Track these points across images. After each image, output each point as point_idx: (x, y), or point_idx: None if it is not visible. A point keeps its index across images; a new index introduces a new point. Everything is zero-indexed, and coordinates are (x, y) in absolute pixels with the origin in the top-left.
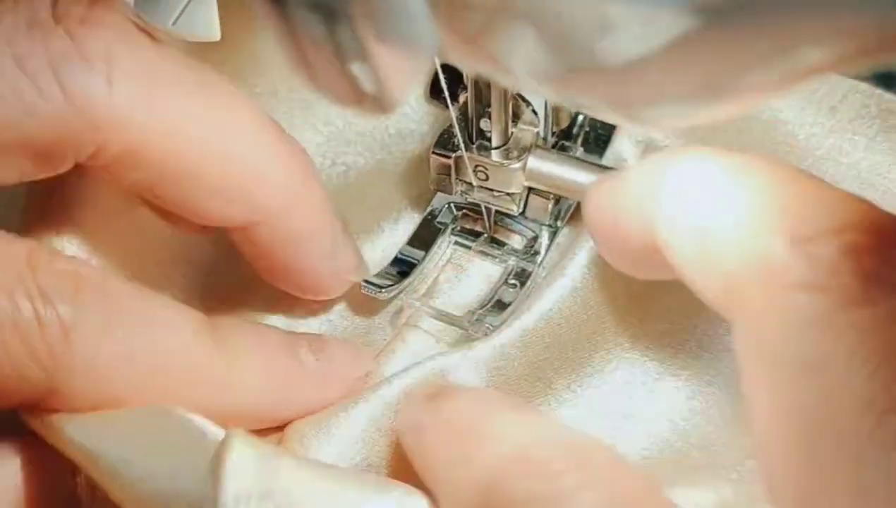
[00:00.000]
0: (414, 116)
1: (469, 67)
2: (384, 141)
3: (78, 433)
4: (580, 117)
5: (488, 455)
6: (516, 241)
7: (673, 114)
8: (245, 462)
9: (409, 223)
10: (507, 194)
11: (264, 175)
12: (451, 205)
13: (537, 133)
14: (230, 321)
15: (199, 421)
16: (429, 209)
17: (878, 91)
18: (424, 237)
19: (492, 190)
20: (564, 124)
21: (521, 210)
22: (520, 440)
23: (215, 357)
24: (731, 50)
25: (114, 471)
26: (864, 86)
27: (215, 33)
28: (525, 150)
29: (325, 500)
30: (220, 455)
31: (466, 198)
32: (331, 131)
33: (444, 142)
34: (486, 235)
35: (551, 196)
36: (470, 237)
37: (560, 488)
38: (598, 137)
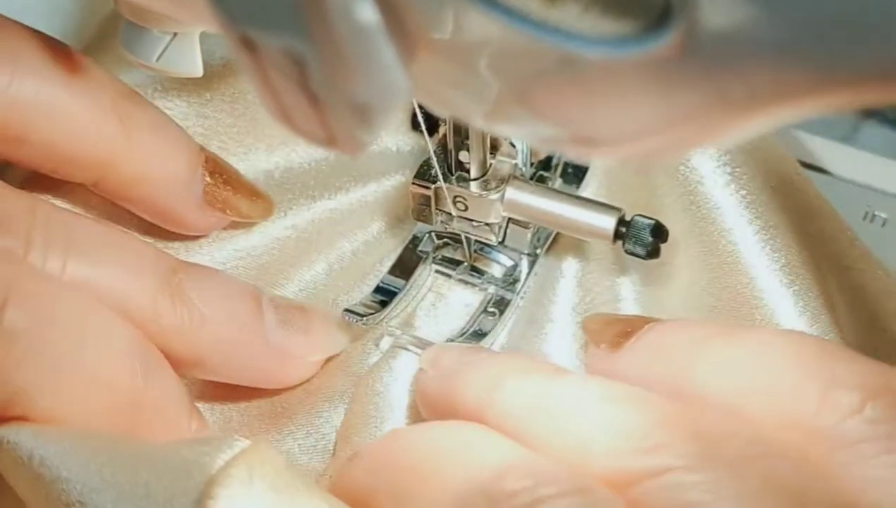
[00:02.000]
0: (396, 146)
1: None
2: (367, 169)
3: (39, 449)
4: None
5: (442, 491)
6: (496, 270)
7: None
8: (226, 504)
9: (390, 252)
10: (486, 224)
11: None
12: (432, 234)
13: (515, 164)
14: (199, 269)
15: (186, 452)
16: (410, 238)
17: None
18: (405, 266)
19: (471, 220)
20: (543, 155)
21: (500, 239)
22: (481, 469)
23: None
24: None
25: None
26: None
27: (198, 70)
28: (503, 181)
29: None
30: (205, 495)
31: (446, 228)
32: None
33: (423, 173)
34: (466, 264)
35: (530, 225)
36: (450, 265)
37: None
38: (576, 169)
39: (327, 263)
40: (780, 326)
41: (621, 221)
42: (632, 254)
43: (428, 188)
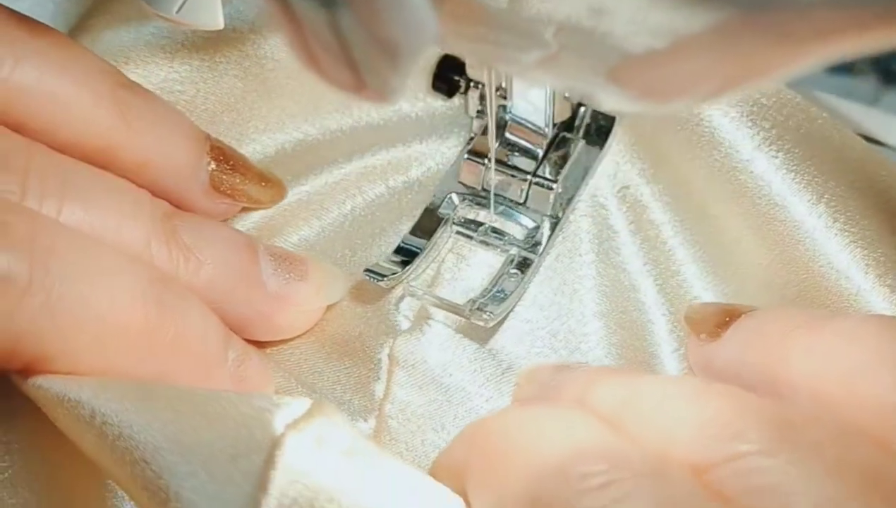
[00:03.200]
0: (414, 113)
1: (468, 56)
2: (384, 137)
3: (101, 407)
4: (582, 109)
5: (523, 467)
6: (517, 231)
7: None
8: (296, 465)
9: (409, 212)
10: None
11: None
12: (453, 195)
13: None
14: (194, 216)
15: (245, 408)
16: (431, 199)
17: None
18: (426, 227)
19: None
20: (566, 116)
21: (523, 199)
22: (560, 448)
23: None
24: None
25: (140, 454)
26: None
27: (218, 22)
28: None
29: (370, 502)
30: (271, 457)
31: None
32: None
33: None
34: (487, 225)
35: (553, 186)
36: (472, 227)
37: (598, 503)
38: (600, 129)
39: (340, 218)
40: (862, 302)
41: None
42: None
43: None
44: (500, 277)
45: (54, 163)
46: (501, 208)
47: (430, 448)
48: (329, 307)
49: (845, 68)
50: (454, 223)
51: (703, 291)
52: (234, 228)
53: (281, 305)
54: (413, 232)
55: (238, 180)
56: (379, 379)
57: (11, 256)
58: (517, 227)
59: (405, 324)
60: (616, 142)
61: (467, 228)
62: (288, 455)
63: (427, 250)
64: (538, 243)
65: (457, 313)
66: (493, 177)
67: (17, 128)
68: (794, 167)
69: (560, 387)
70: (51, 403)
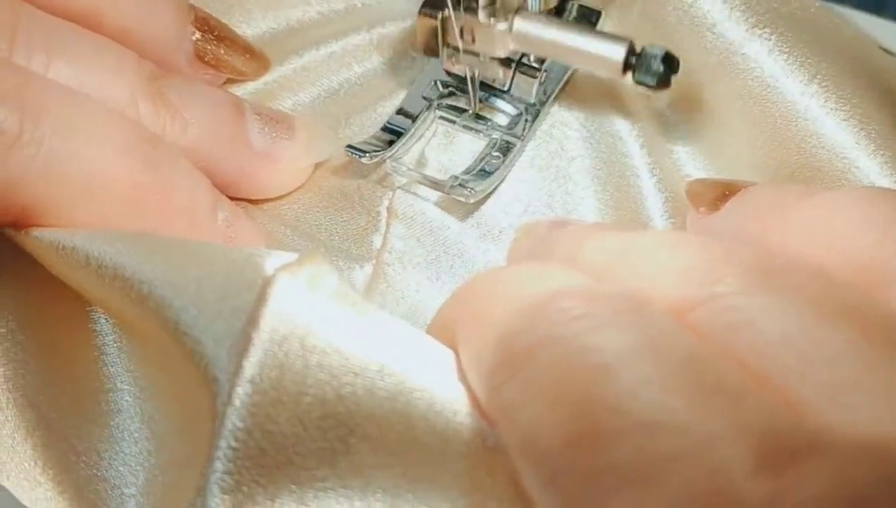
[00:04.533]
0: None
1: None
2: (368, 18)
3: (94, 252)
4: (569, 3)
5: (502, 310)
6: (500, 118)
7: None
8: (286, 304)
9: (394, 91)
10: (494, 59)
11: None
12: (437, 81)
13: None
14: (179, 76)
15: (235, 254)
16: (415, 82)
17: None
18: (410, 109)
19: (478, 54)
20: (553, 3)
21: (506, 87)
22: (540, 291)
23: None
24: None
25: (138, 292)
26: None
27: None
28: (513, 12)
29: (358, 354)
30: (262, 294)
31: (453, 63)
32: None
33: (431, 2)
34: (470, 111)
35: (537, 74)
36: (455, 112)
37: (572, 330)
38: (587, 17)
39: (336, 85)
40: (854, 178)
41: (631, 51)
42: (642, 83)
43: (435, 18)
44: (483, 158)
45: (41, 21)
46: (485, 95)
47: (425, 296)
48: (324, 164)
49: None
50: (438, 108)
51: (696, 171)
52: (220, 88)
53: (268, 164)
54: (398, 113)
55: (222, 51)
56: (377, 230)
57: (2, 109)
58: (500, 114)
59: (403, 180)
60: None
61: (451, 113)
62: (279, 294)
63: (411, 131)
64: (520, 130)
65: (439, 189)
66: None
67: None
68: (787, 49)
69: (554, 243)
70: (45, 251)
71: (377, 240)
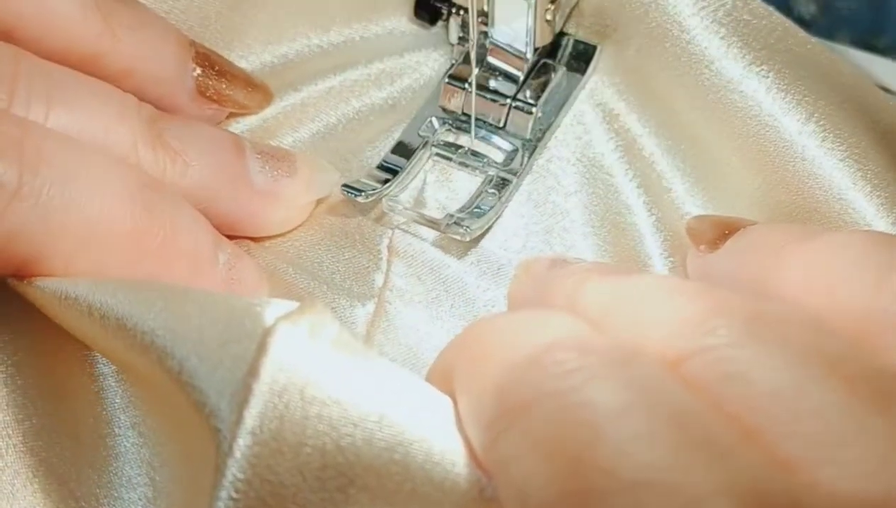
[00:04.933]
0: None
1: None
2: (366, 53)
3: (86, 292)
4: (564, 38)
5: (500, 361)
6: (496, 155)
7: None
8: (286, 354)
9: (389, 128)
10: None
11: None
12: (433, 119)
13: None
14: (179, 119)
15: (235, 302)
16: (410, 120)
17: None
18: (406, 148)
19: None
20: (548, 41)
21: (503, 123)
22: (536, 342)
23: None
24: None
25: (140, 341)
26: None
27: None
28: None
29: (357, 404)
30: (263, 344)
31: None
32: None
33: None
34: (466, 148)
35: (533, 110)
36: (451, 149)
37: (566, 384)
38: (581, 55)
39: (334, 121)
40: (853, 219)
41: None
42: None
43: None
44: (478, 195)
45: (41, 69)
46: (481, 132)
47: (426, 334)
48: (325, 200)
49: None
50: (434, 145)
51: (695, 209)
52: (220, 128)
53: (270, 201)
54: (394, 151)
55: (224, 85)
56: (378, 268)
57: (1, 161)
58: (496, 151)
59: (402, 219)
60: (600, 66)
61: (446, 151)
62: (279, 343)
63: (406, 169)
64: (517, 166)
65: (434, 228)
66: (474, 102)
67: (3, 38)
68: (785, 86)
69: (553, 284)
70: (48, 301)
71: (378, 279)
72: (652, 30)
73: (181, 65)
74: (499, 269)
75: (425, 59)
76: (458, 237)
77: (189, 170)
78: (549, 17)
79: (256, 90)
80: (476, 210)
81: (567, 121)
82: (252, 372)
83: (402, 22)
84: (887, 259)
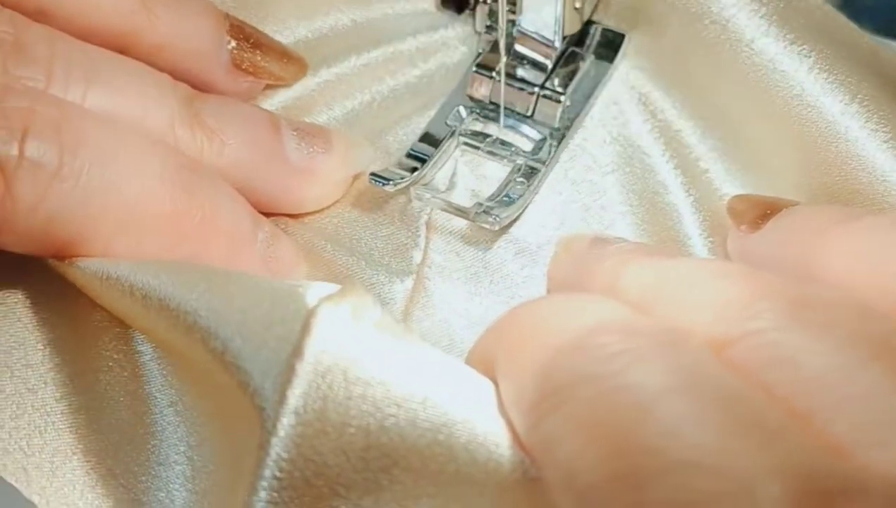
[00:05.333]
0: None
1: None
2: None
3: (138, 284)
4: (592, 26)
5: (542, 345)
6: (525, 143)
7: None
8: (330, 335)
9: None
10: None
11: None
12: (460, 107)
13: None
14: (215, 97)
15: (288, 284)
16: (438, 108)
17: None
18: (434, 137)
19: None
20: (576, 29)
21: (531, 112)
22: (579, 326)
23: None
24: None
25: (183, 321)
26: None
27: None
28: None
29: (401, 384)
30: (307, 325)
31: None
32: None
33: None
34: (494, 137)
35: (561, 99)
36: (479, 138)
37: (612, 367)
38: (610, 44)
39: (369, 98)
40: None
41: None
42: None
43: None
44: (507, 184)
45: (77, 51)
46: (509, 121)
47: (463, 312)
48: (363, 177)
49: None
50: (461, 134)
51: (734, 190)
52: (255, 106)
53: (307, 178)
54: (422, 139)
55: (259, 57)
56: (417, 245)
57: (41, 143)
58: (524, 140)
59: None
60: (633, 51)
61: (474, 140)
62: (323, 324)
63: (434, 158)
64: (545, 155)
65: (463, 216)
66: (503, 90)
67: (37, 17)
68: (828, 66)
69: (594, 266)
70: (89, 281)
71: (417, 256)
72: (689, 10)
73: (216, 38)
74: (538, 248)
75: (458, 36)
76: (487, 226)
77: (226, 148)
78: (577, 4)
79: (291, 61)
80: (505, 198)
81: (602, 102)
82: (296, 352)
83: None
84: None
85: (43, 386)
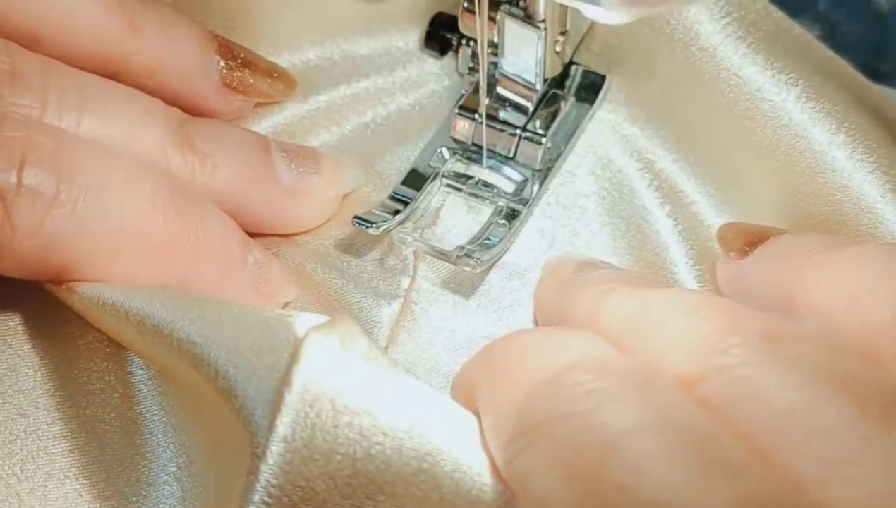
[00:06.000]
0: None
1: None
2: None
3: (123, 298)
4: (573, 67)
5: (521, 382)
6: (506, 185)
7: None
8: (318, 364)
9: (404, 164)
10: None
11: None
12: (443, 149)
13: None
14: (206, 120)
15: (268, 314)
16: (421, 149)
17: None
18: (417, 179)
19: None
20: (557, 72)
21: (512, 154)
22: (558, 363)
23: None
24: None
25: (177, 347)
26: None
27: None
28: None
29: (387, 414)
30: (295, 354)
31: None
32: None
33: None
34: (476, 179)
35: (542, 141)
36: (461, 180)
37: (584, 405)
38: (591, 86)
39: (361, 126)
40: (884, 231)
41: None
42: None
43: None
44: (488, 226)
45: (70, 78)
46: (491, 162)
47: (449, 334)
48: (356, 202)
49: None
50: (444, 176)
51: (721, 221)
52: (245, 129)
53: (297, 198)
54: (404, 183)
55: (248, 75)
56: (405, 272)
57: (39, 171)
58: (506, 181)
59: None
60: (617, 88)
61: (457, 181)
62: (312, 354)
63: (417, 201)
64: (527, 196)
65: (445, 259)
66: (485, 131)
67: (30, 45)
68: (815, 95)
69: (577, 293)
70: (86, 306)
71: (405, 282)
72: (676, 38)
73: (205, 58)
74: (525, 271)
75: (448, 66)
76: (468, 268)
77: (218, 171)
78: (558, 48)
79: (280, 79)
80: (486, 241)
81: (588, 135)
82: (285, 381)
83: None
84: None
85: (34, 410)
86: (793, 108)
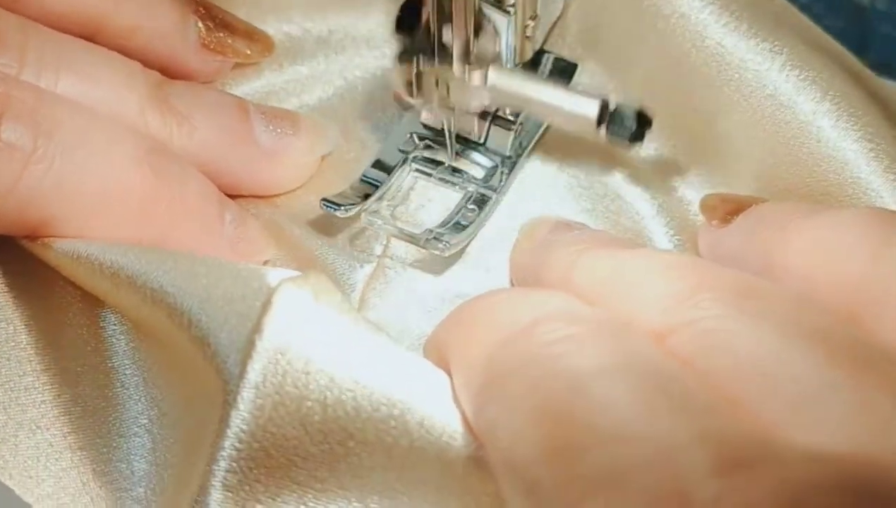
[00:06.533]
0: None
1: None
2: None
3: (98, 252)
4: (545, 56)
5: (490, 336)
6: (476, 171)
7: None
8: (290, 313)
9: (383, 130)
10: (470, 113)
11: None
12: (413, 134)
13: (498, 52)
14: (184, 83)
15: (252, 266)
16: (390, 135)
17: None
18: (386, 161)
19: (453, 109)
20: (529, 56)
21: (482, 140)
22: (527, 318)
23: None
24: None
25: (151, 297)
26: None
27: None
28: (486, 65)
29: (359, 364)
30: (267, 303)
31: (430, 115)
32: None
33: (407, 52)
34: (447, 163)
35: (513, 127)
36: (431, 165)
37: (551, 351)
38: (563, 71)
39: (341, 89)
40: (868, 200)
41: (604, 107)
42: (615, 139)
43: (410, 67)
44: (458, 211)
45: (49, 39)
46: (461, 148)
47: (420, 299)
48: (335, 167)
49: None
50: (413, 161)
51: (704, 191)
52: (223, 91)
53: (275, 160)
54: (374, 166)
55: (226, 36)
56: (378, 239)
57: (17, 126)
58: (476, 167)
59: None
60: (598, 64)
61: (427, 166)
62: (284, 303)
63: (386, 184)
64: (496, 183)
65: (414, 242)
66: (455, 117)
67: (9, 5)
68: (800, 63)
69: (551, 253)
70: (61, 261)
71: (378, 248)
72: (655, 15)
73: (183, 19)
74: (500, 234)
75: None
76: (437, 252)
77: (196, 132)
78: (528, 33)
79: (258, 39)
80: (455, 225)
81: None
82: (256, 328)
83: None
84: (886, 233)
85: (6, 362)
86: (777, 77)
